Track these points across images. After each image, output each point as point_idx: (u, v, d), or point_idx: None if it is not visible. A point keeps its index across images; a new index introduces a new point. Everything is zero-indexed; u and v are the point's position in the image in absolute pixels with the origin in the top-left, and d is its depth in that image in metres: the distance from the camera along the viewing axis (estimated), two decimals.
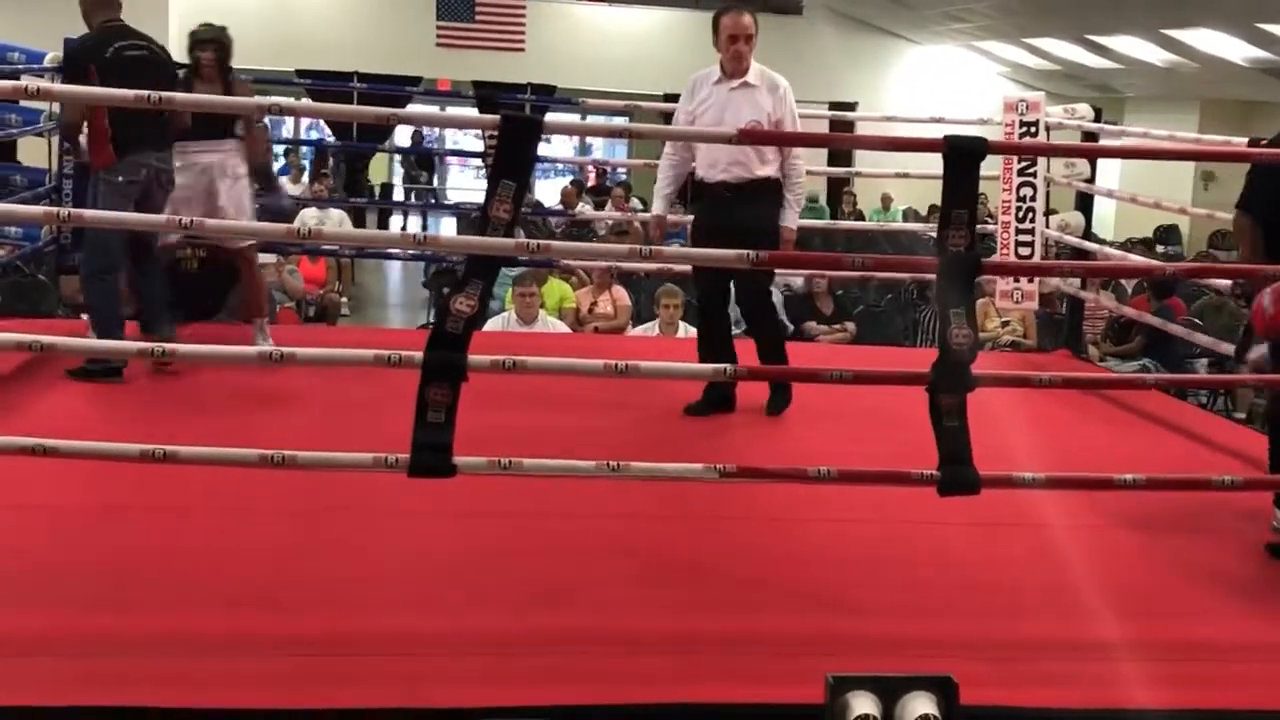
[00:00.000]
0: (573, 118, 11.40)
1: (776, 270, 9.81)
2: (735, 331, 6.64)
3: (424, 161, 23.95)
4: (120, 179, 6.21)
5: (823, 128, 13.86)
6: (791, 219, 6.17)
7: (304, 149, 21.24)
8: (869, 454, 4.97)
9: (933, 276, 4.20)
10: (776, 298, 11.03)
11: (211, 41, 6.74)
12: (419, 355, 3.86)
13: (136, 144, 6.23)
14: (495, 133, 4.00)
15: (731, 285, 6.32)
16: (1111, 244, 14.03)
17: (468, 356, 3.87)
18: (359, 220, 19.81)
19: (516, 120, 3.99)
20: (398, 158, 26.35)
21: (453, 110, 23.00)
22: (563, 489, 4.54)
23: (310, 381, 6.16)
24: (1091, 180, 8.29)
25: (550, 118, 4.78)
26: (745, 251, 4.39)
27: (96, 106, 6.10)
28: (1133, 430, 6.55)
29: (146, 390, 6.10)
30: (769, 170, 6.08)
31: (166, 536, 4.33)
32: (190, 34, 6.81)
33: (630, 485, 4.48)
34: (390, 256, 14.21)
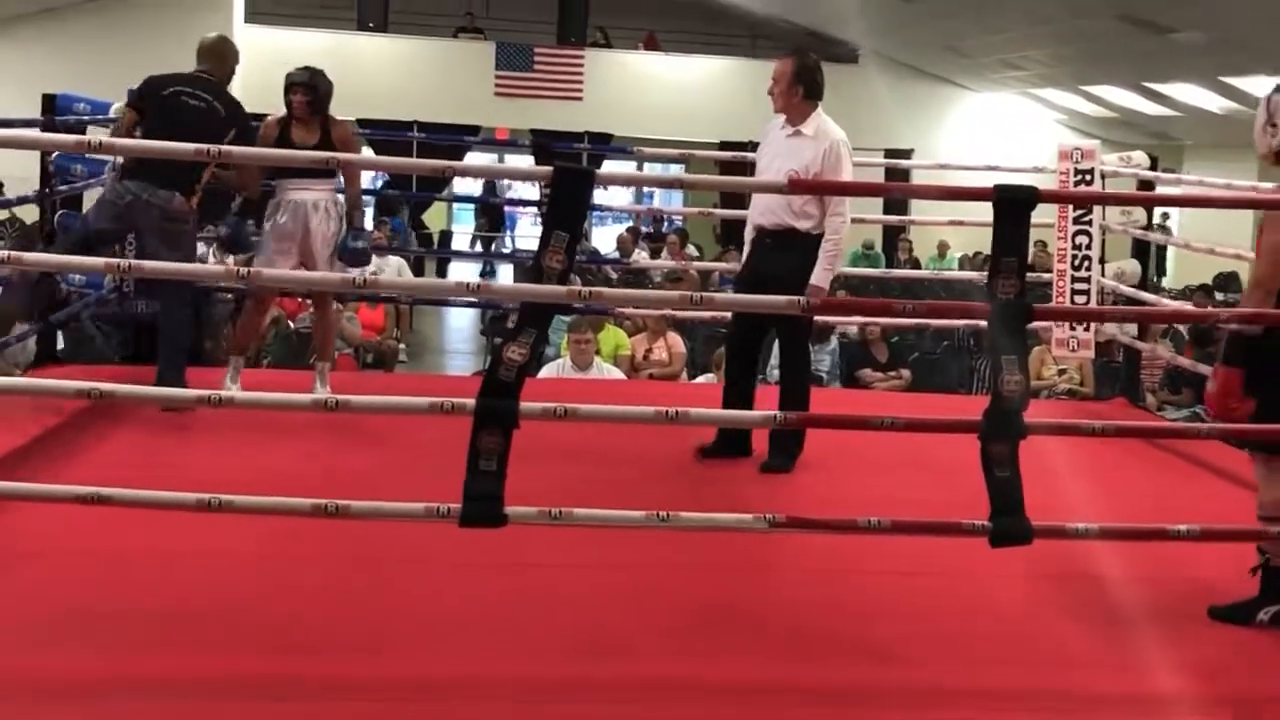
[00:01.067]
0: (628, 166, 11.46)
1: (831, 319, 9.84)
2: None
3: (488, 210, 24.06)
4: (108, 198, 6.54)
5: (877, 175, 13.85)
6: (821, 276, 5.97)
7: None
8: (920, 503, 4.95)
9: (984, 323, 4.20)
10: (833, 345, 11.05)
11: (302, 85, 6.81)
12: (471, 403, 3.89)
13: (132, 173, 6.44)
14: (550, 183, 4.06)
15: (772, 332, 6.31)
16: (1169, 291, 13.92)
17: (520, 404, 3.91)
18: (418, 267, 19.97)
19: (570, 171, 4.03)
20: (456, 205, 26.52)
21: (510, 159, 23.17)
22: (612, 537, 4.53)
23: (366, 426, 6.21)
24: (1148, 227, 8.24)
25: (603, 168, 4.83)
26: (796, 298, 4.41)
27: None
28: (1189, 479, 6.49)
29: (204, 433, 6.16)
30: (801, 224, 5.98)
31: (217, 581, 4.37)
32: (286, 76, 6.89)
33: (680, 533, 4.49)
34: (448, 303, 14.27)
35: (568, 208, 4.01)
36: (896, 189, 5.88)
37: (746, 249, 6.37)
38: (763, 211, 6.07)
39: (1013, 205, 4.01)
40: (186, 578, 4.38)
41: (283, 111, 6.90)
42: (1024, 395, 4.03)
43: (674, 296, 4.72)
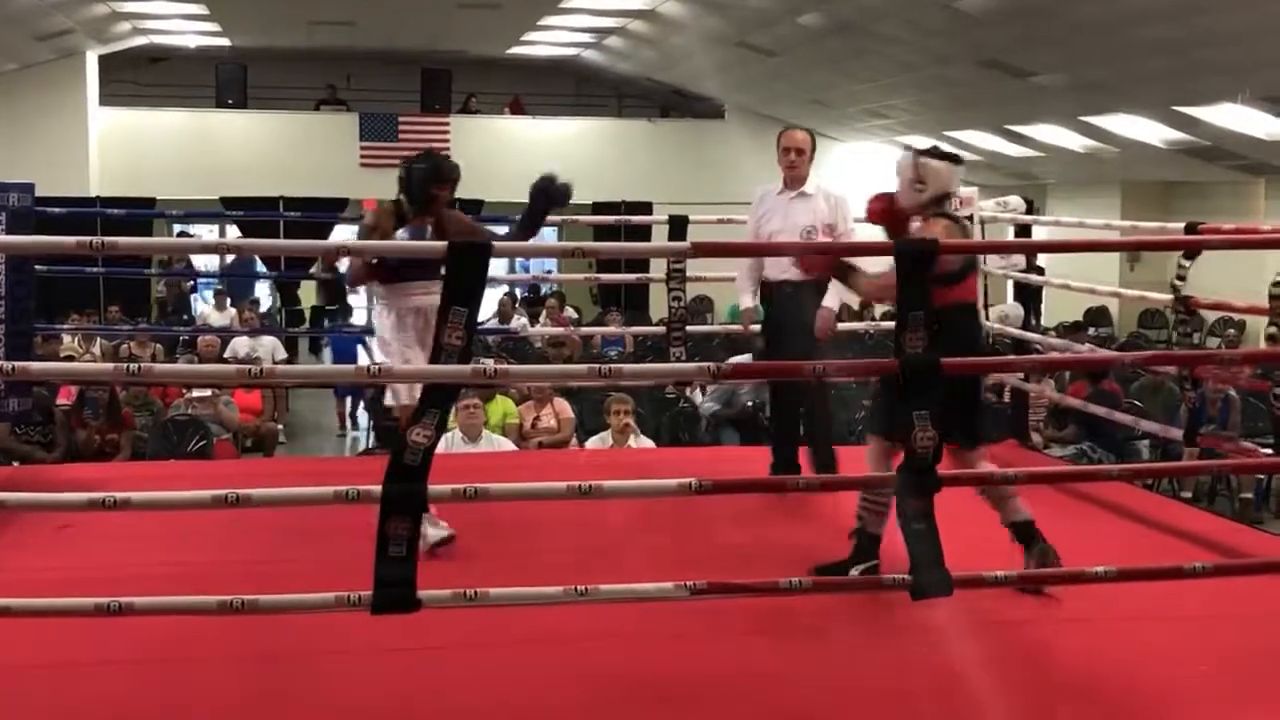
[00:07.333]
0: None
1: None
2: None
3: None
4: None
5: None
6: (831, 299, 6.73)
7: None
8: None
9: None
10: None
11: None
12: (378, 489, 3.79)
13: None
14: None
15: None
16: (1045, 330, 14.12)
17: (428, 487, 3.82)
18: (289, 344, 19.64)
19: (464, 247, 3.97)
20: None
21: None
22: (526, 610, 4.43)
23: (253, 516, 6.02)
24: (1028, 270, 8.35)
25: (499, 243, 4.78)
26: (707, 365, 4.40)
27: None
28: (1092, 520, 6.50)
29: (89, 535, 5.93)
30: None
31: (122, 690, 4.18)
32: None
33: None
34: (326, 386, 14.13)
35: (465, 285, 3.94)
36: (798, 249, 6.01)
37: (749, 295, 7.05)
38: (788, 266, 6.70)
39: (915, 260, 4.01)
40: (85, 691, 4.19)
41: None
42: (938, 450, 4.02)
43: (582, 370, 4.66)
